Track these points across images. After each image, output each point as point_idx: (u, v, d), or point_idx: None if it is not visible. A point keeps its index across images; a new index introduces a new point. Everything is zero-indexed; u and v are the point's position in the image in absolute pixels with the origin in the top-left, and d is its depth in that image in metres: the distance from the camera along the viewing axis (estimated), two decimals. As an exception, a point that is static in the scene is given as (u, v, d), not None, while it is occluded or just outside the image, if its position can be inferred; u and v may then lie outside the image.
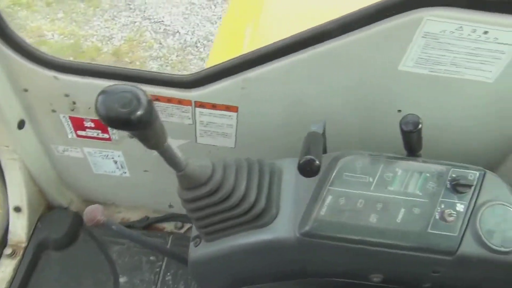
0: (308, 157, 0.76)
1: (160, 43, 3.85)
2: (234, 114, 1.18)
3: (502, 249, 0.84)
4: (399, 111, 1.08)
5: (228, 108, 1.16)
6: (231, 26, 1.99)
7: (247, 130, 1.23)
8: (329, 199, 0.88)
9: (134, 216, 1.67)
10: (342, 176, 0.89)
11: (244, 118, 1.19)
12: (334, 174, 0.89)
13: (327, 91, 1.08)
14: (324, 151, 1.02)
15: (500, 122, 1.07)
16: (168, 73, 1.14)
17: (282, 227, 0.90)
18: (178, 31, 3.91)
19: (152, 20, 3.96)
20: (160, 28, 3.96)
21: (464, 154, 1.20)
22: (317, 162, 0.75)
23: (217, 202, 0.88)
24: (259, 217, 0.90)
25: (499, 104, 1.03)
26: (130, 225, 1.63)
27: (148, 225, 1.62)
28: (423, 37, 0.86)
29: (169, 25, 3.92)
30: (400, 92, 1.02)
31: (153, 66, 3.73)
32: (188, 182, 0.87)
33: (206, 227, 0.94)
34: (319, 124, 0.92)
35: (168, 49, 3.80)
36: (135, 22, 4.00)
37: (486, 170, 0.92)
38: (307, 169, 0.76)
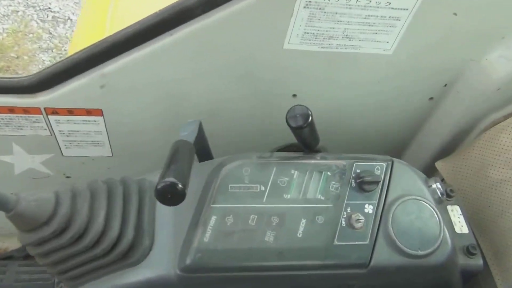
0: (168, 180, 0.57)
1: (50, 33, 3.44)
2: (99, 119, 0.95)
3: (420, 252, 0.72)
4: (294, 95, 0.92)
5: (89, 112, 0.93)
6: (93, 4, 1.58)
7: (122, 135, 1.01)
8: (213, 220, 0.70)
9: (12, 245, 1.40)
10: (227, 188, 0.72)
11: (113, 121, 0.97)
12: (216, 187, 0.71)
13: (208, 81, 0.89)
14: (209, 157, 0.84)
15: (406, 98, 0.95)
16: (3, 77, 0.88)
17: (159, 264, 0.71)
18: (69, 18, 3.51)
19: (38, 8, 3.52)
20: (47, 16, 3.53)
21: (370, 138, 1.07)
22: (180, 185, 0.57)
23: (67, 243, 0.67)
24: (127, 255, 0.71)
25: (402, 77, 0.90)
26: (8, 256, 1.37)
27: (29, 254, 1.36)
28: (305, 7, 0.70)
29: (58, 12, 3.51)
30: (291, 74, 0.85)
31: (44, 59, 3.33)
32: (25, 223, 0.65)
33: (65, 273, 0.72)
34: (190, 125, 0.73)
35: (60, 39, 3.41)
36: (18, 11, 3.54)
37: (394, 159, 0.78)
38: (168, 197, 0.57)
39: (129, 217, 0.71)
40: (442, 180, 1.15)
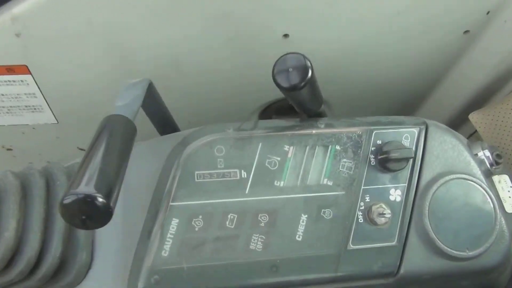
0: (81, 192, 0.34)
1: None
2: (27, 78, 0.71)
3: (468, 253, 0.51)
4: (286, 36, 0.67)
5: (11, 70, 0.69)
6: None
7: (63, 98, 0.77)
8: (174, 224, 0.49)
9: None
10: (192, 177, 0.50)
11: (47, 81, 0.73)
12: (177, 177, 0.49)
13: (170, 25, 0.65)
14: (173, 129, 0.62)
15: (433, 33, 0.71)
16: None
17: (102, 285, 0.50)
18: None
19: None
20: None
21: (381, 91, 0.84)
22: (102, 199, 0.34)
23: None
24: (57, 276, 0.50)
25: (431, 3, 0.66)
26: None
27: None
28: None
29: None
30: (281, 10, 0.61)
31: None
32: None
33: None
34: (131, 89, 0.50)
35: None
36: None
37: (428, 121, 0.56)
38: (82, 218, 0.35)
39: (54, 225, 0.49)
40: (469, 136, 0.93)
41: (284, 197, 0.50)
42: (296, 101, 0.49)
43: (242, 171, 0.50)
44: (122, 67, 0.71)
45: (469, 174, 0.53)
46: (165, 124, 0.59)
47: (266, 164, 0.51)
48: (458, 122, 0.95)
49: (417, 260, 0.51)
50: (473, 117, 0.79)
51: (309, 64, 0.43)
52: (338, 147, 0.52)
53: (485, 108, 0.80)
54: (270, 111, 0.92)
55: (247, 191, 0.50)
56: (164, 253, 0.48)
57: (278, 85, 0.44)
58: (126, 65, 0.71)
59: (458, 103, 0.90)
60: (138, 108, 0.48)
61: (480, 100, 0.87)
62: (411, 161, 0.53)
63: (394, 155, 0.50)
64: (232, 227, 0.49)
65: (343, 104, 0.88)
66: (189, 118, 0.89)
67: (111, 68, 0.72)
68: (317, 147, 0.52)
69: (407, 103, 0.94)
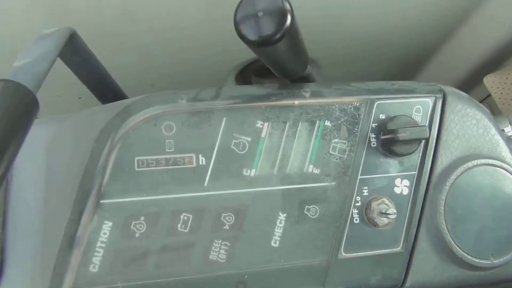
0: None
1: None
2: None
3: (493, 261, 0.39)
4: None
5: None
6: None
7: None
8: (106, 230, 0.36)
9: None
10: (130, 165, 0.37)
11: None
12: (110, 165, 0.36)
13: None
14: (117, 96, 0.48)
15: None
16: None
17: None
18: None
19: None
20: None
21: (378, 48, 0.71)
22: None
23: None
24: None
25: None
26: None
27: None
28: None
29: None
30: None
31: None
32: None
33: None
34: (41, 43, 0.36)
35: None
36: None
37: (445, 88, 0.43)
38: None
39: None
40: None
41: (255, 191, 0.38)
42: (271, 61, 0.36)
43: (200, 156, 0.37)
44: (57, 18, 0.56)
45: (497, 159, 0.41)
46: (103, 89, 0.45)
47: (232, 147, 0.38)
48: (464, 89, 0.83)
49: (427, 270, 0.39)
50: (488, 80, 0.67)
51: (288, 6, 0.29)
52: (328, 123, 0.40)
53: (503, 71, 0.67)
54: (248, 72, 0.78)
55: (206, 183, 0.37)
56: (93, 268, 0.35)
57: (243, 37, 0.30)
58: (63, 15, 0.56)
59: (466, 65, 0.77)
60: (45, 70, 0.34)
61: (493, 63, 0.74)
62: (422, 143, 0.40)
63: (402, 134, 0.38)
64: (186, 231, 0.37)
65: (332, 66, 0.75)
66: (152, 80, 0.75)
67: (44, 19, 0.57)
68: (300, 123, 0.39)
69: (408, 64, 0.81)
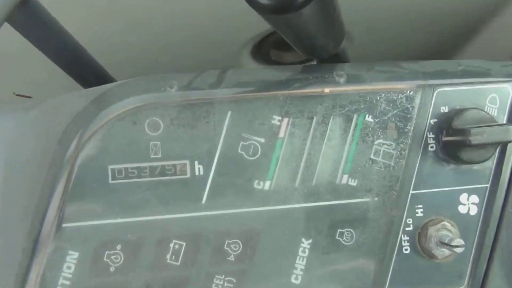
0: None
1: None
2: None
3: None
4: None
5: None
6: None
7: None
8: (70, 262, 0.27)
9: None
10: (103, 175, 0.27)
11: None
12: (74, 175, 0.27)
13: None
14: (99, 79, 0.39)
15: None
16: None
17: None
18: None
19: None
20: None
21: (428, 26, 0.59)
22: None
23: None
24: None
25: None
26: None
27: None
28: None
29: None
30: None
31: None
32: None
33: None
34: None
35: None
36: None
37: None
38: None
39: None
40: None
41: (270, 210, 0.28)
42: (293, 34, 0.25)
43: (196, 163, 0.28)
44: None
45: None
46: (78, 68, 0.36)
47: (240, 151, 0.28)
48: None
49: (501, 316, 0.29)
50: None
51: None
52: (369, 119, 0.29)
53: None
54: (267, 46, 0.67)
55: (203, 200, 0.28)
56: (55, 310, 0.27)
57: (251, 1, 0.20)
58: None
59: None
60: None
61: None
62: (498, 148, 0.29)
63: (476, 137, 0.27)
64: (177, 264, 0.28)
65: (364, 41, 0.63)
66: (156, 56, 0.65)
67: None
68: (331, 119, 0.29)
69: (452, 38, 0.69)
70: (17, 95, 0.76)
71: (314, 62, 0.34)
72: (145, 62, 0.64)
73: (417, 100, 0.30)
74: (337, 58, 0.32)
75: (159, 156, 0.28)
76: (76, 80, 0.38)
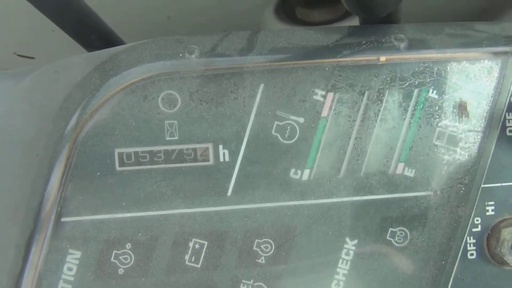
0: None
1: None
2: None
3: None
4: None
5: None
6: None
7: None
8: (72, 262, 0.23)
9: None
10: (108, 161, 0.22)
11: None
12: (76, 161, 0.22)
13: None
14: (108, 41, 0.33)
15: None
16: None
17: None
18: None
19: None
20: None
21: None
22: None
23: None
24: None
25: None
26: None
27: None
28: None
29: None
30: None
31: None
32: None
33: None
34: None
35: None
36: None
37: None
38: None
39: None
40: None
41: (308, 204, 0.23)
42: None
43: (220, 148, 0.23)
44: None
45: None
46: (76, 24, 0.30)
47: (274, 133, 0.23)
48: None
49: None
50: None
51: None
52: (433, 95, 0.24)
53: None
54: (292, 3, 0.60)
55: (229, 192, 0.23)
56: (53, 320, 0.23)
57: None
58: None
59: None
60: None
61: None
62: None
63: None
64: (198, 266, 0.23)
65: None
66: (168, 12, 0.59)
67: None
68: (387, 93, 0.23)
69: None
70: (18, 55, 0.70)
71: (349, 23, 0.28)
72: (156, 19, 0.58)
73: (495, 73, 0.24)
74: (389, 20, 0.26)
75: (176, 138, 0.23)
76: (78, 41, 0.32)
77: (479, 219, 0.24)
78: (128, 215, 0.23)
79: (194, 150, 0.23)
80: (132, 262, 0.23)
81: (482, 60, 0.24)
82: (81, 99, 0.22)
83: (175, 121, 0.23)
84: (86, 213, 0.23)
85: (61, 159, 0.22)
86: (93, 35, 0.31)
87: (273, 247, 0.24)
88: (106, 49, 0.23)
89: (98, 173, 0.22)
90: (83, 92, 0.22)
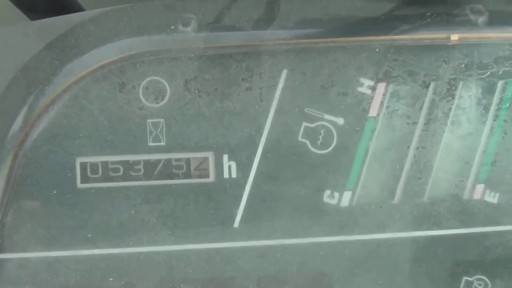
0: None
1: None
2: None
3: None
4: None
5: None
6: None
7: None
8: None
9: None
10: (66, 176, 0.15)
11: None
12: (19, 173, 0.15)
13: None
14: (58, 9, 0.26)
15: None
16: None
17: None
18: None
19: None
20: None
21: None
22: None
23: None
24: None
25: None
26: None
27: None
28: None
29: None
30: None
31: None
32: None
33: None
34: None
35: None
36: None
37: None
38: None
39: None
40: None
41: (349, 241, 0.16)
42: None
43: (225, 158, 0.16)
44: None
45: None
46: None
47: (301, 139, 0.16)
48: None
49: None
50: None
51: None
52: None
53: None
54: None
55: (237, 222, 0.16)
56: None
57: None
58: None
59: None
60: None
61: None
62: None
63: None
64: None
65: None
66: None
67: None
68: (461, 86, 0.16)
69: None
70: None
71: None
72: None
73: None
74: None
75: (162, 144, 0.16)
76: (14, 2, 0.25)
77: None
78: (96, 251, 0.16)
79: (187, 161, 0.16)
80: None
81: None
82: (30, 88, 0.16)
83: (162, 120, 0.16)
84: (36, 248, 0.16)
85: (0, 172, 0.16)
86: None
87: (298, 301, 0.17)
88: (62, 16, 0.17)
89: (54, 192, 0.16)
90: (33, 78, 0.16)
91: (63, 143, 0.16)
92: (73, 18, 0.17)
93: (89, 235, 0.16)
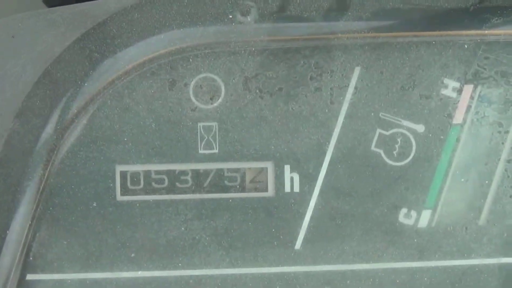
0: None
1: None
2: None
3: None
4: None
5: None
6: None
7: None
8: None
9: None
10: (105, 188, 0.13)
11: None
12: (54, 183, 0.13)
13: None
14: None
15: None
16: None
17: None
18: None
19: None
20: None
21: None
22: None
23: None
24: None
25: None
26: None
27: None
28: None
29: None
30: None
31: None
32: None
33: None
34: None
35: None
36: None
37: None
38: None
39: None
40: None
41: (429, 267, 0.14)
42: None
43: (287, 169, 0.14)
44: None
45: None
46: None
47: (374, 148, 0.14)
48: None
49: None
50: None
51: None
52: None
53: None
54: None
55: (299, 243, 0.14)
56: None
57: None
58: None
59: None
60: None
61: None
62: None
63: None
64: None
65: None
66: None
67: None
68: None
69: None
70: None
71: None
72: None
73: None
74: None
75: (215, 151, 0.14)
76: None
77: None
78: (140, 274, 0.14)
79: (242, 172, 0.14)
80: None
81: None
82: (64, 84, 0.14)
83: (215, 123, 0.14)
84: (72, 269, 0.14)
85: (30, 182, 0.14)
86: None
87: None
88: (97, 1, 0.15)
89: (92, 204, 0.14)
90: (67, 74, 0.14)
91: (103, 148, 0.14)
92: (110, 4, 0.14)
93: (132, 255, 0.14)
